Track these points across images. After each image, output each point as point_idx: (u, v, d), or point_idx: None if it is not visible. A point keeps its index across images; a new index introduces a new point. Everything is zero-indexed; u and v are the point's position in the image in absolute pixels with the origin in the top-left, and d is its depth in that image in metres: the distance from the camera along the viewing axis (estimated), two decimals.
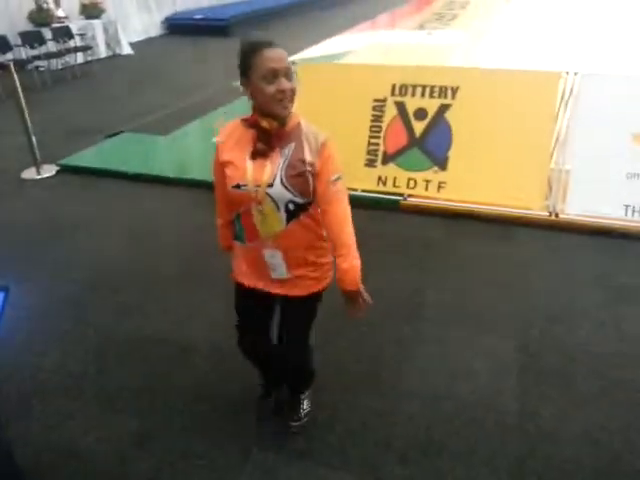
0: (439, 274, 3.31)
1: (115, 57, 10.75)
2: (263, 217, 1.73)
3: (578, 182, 3.77)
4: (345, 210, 1.75)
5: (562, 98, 3.81)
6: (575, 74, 3.74)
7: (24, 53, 8.60)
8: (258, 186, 1.68)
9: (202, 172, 4.99)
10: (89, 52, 9.73)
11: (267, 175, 1.67)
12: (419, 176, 4.02)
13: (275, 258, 1.80)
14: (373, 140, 4.10)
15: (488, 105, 3.92)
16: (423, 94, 4.04)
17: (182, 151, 5.61)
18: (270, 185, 1.67)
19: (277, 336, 2.01)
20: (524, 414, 2.29)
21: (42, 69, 8.52)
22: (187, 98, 7.48)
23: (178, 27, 13.70)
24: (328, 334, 2.75)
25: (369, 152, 4.18)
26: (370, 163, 4.17)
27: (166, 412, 2.33)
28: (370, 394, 2.41)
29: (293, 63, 4.36)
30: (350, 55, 9.57)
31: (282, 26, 14.80)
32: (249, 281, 1.91)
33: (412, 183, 4.03)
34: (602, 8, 14.92)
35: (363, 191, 4.10)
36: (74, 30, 9.35)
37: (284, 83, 1.60)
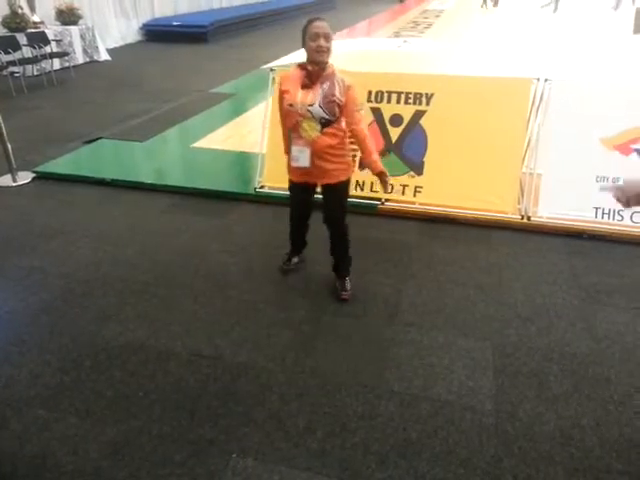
0: (417, 277, 3.36)
1: (92, 63, 10.64)
2: (305, 126, 2.68)
3: (549, 186, 3.86)
4: (365, 129, 2.84)
5: (533, 104, 3.90)
6: (545, 80, 3.82)
7: None
8: (303, 105, 2.64)
9: (180, 178, 4.98)
10: (66, 58, 9.60)
11: (310, 98, 2.65)
12: (396, 181, 4.07)
13: (302, 152, 2.73)
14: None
15: (462, 111, 3.99)
16: (399, 100, 4.09)
17: (160, 157, 5.57)
18: (311, 105, 2.64)
19: (324, 217, 2.97)
20: (500, 414, 2.33)
21: (17, 75, 8.39)
22: (165, 104, 7.45)
23: (156, 34, 13.63)
24: (308, 337, 2.78)
25: None
26: None
27: (144, 419, 2.31)
28: (349, 396, 2.42)
29: (271, 70, 4.39)
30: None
31: (260, 33, 14.86)
32: (298, 178, 2.90)
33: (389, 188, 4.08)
34: (571, 19, 15.36)
35: None
36: (50, 36, 9.21)
37: (322, 41, 2.58)
